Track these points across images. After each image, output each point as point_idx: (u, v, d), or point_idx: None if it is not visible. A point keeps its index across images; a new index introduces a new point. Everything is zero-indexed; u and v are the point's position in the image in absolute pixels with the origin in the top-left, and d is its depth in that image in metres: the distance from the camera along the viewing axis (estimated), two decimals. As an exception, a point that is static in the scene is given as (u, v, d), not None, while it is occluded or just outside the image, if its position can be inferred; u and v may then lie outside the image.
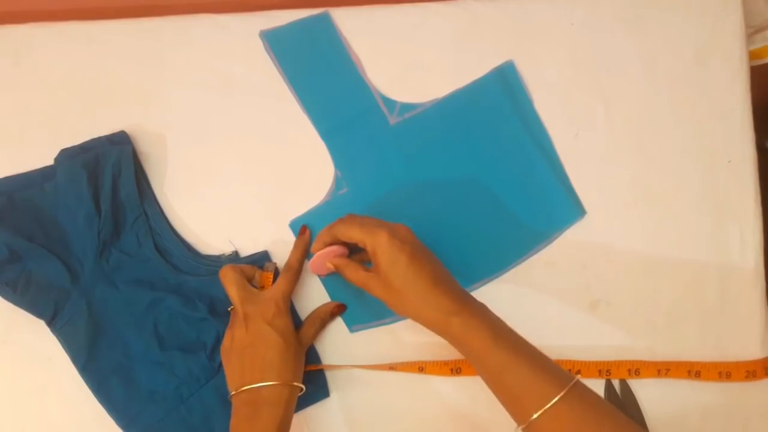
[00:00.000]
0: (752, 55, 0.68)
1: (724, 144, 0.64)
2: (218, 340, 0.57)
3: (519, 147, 0.63)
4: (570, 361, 0.59)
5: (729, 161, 0.63)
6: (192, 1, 0.65)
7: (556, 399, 0.44)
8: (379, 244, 0.49)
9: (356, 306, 0.60)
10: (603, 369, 0.59)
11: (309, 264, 0.58)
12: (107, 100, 0.62)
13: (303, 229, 0.60)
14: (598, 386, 0.60)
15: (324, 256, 0.55)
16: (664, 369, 0.59)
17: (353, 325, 0.60)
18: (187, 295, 0.57)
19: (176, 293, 0.57)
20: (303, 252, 0.58)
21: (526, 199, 0.62)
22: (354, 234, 0.51)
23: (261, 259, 0.60)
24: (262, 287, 0.57)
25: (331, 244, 0.55)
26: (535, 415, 0.44)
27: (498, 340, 0.47)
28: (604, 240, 0.62)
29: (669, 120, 0.64)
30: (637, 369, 0.59)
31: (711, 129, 0.64)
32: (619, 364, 0.59)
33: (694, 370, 0.59)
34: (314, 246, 0.55)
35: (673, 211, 0.63)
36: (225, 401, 0.53)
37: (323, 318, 0.59)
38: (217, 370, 0.57)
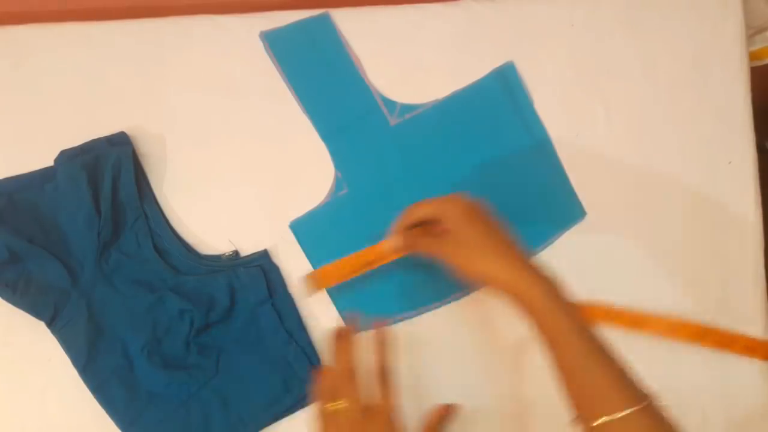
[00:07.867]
0: (752, 56, 0.68)
1: (724, 145, 0.64)
2: (218, 340, 0.57)
3: (519, 148, 0.63)
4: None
5: (729, 162, 0.64)
6: (192, 1, 0.65)
7: (628, 411, 0.42)
8: (455, 205, 0.49)
9: (356, 308, 0.60)
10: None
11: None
12: (107, 101, 0.62)
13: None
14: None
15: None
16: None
17: (353, 326, 0.60)
18: (187, 295, 0.57)
19: (176, 294, 0.57)
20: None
21: (527, 200, 0.62)
22: (427, 208, 0.50)
23: (261, 259, 0.60)
24: None
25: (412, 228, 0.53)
26: (599, 421, 0.43)
27: (582, 331, 0.44)
28: (604, 240, 0.62)
29: (669, 121, 0.64)
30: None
31: (711, 130, 0.64)
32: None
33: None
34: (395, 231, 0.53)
35: (673, 212, 0.63)
36: (224, 402, 0.52)
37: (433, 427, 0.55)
38: (216, 370, 0.57)
